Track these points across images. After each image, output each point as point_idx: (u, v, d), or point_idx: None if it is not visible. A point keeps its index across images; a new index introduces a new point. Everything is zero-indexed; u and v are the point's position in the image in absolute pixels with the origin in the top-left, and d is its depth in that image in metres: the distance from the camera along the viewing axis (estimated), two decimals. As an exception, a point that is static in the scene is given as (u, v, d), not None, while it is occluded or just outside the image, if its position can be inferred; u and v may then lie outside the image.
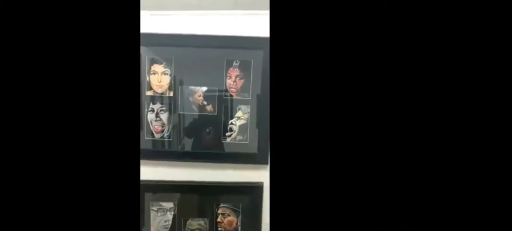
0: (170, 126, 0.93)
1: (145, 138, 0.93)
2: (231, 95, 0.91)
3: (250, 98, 0.90)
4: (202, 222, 0.97)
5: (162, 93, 0.92)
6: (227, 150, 0.93)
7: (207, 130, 0.92)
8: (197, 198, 0.97)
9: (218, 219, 0.97)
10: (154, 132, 0.93)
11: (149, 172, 0.94)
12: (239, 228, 0.97)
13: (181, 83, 0.91)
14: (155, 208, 0.97)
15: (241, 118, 0.91)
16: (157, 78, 0.91)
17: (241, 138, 0.92)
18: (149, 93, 0.92)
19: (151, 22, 0.89)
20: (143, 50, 0.90)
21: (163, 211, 0.98)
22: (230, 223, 0.97)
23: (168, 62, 0.91)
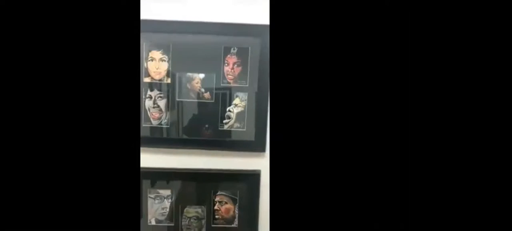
0: (168, 113, 0.92)
1: (143, 125, 0.93)
2: (228, 83, 0.90)
3: (247, 85, 0.90)
4: (199, 210, 0.97)
5: (159, 80, 0.91)
6: (225, 137, 0.92)
7: (205, 117, 0.92)
8: (194, 185, 0.97)
9: (215, 207, 0.97)
10: (151, 119, 0.93)
11: (147, 159, 0.93)
12: (237, 215, 0.97)
13: (179, 70, 0.90)
14: (152, 196, 0.97)
15: (238, 105, 0.91)
16: (155, 65, 0.91)
17: (238, 125, 0.92)
18: (147, 80, 0.91)
19: (149, 8, 0.88)
20: (141, 36, 0.89)
21: (161, 199, 0.98)
22: (227, 210, 0.97)
23: (165, 49, 0.90)
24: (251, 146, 0.91)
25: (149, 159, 0.94)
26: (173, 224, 0.97)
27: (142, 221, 0.97)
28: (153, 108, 0.92)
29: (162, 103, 0.92)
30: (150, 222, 0.98)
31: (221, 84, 0.90)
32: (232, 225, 0.97)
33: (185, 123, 0.93)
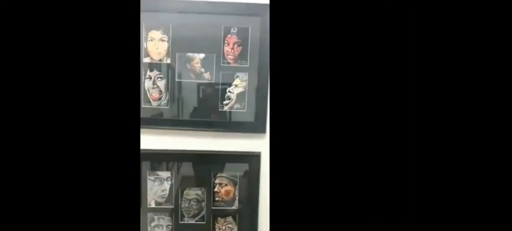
0: (167, 94, 0.91)
1: (142, 106, 0.91)
2: (228, 63, 0.89)
3: (248, 65, 0.88)
4: (199, 192, 0.97)
5: (159, 61, 0.90)
6: (225, 118, 0.91)
7: (205, 98, 0.91)
8: (194, 167, 0.96)
9: (216, 189, 0.96)
10: (151, 100, 0.91)
11: (146, 140, 0.92)
12: (237, 197, 0.96)
13: (179, 50, 0.89)
14: (152, 178, 0.96)
15: (238, 85, 0.90)
16: (155, 45, 0.89)
17: (238, 106, 0.90)
18: (146, 60, 0.90)
19: (148, -13, 0.86)
20: (140, 16, 0.87)
21: (160, 181, 0.97)
22: (228, 192, 0.96)
23: (165, 29, 0.88)
24: (252, 127, 0.90)
25: (149, 140, 0.92)
26: (173, 207, 0.97)
27: (141, 204, 0.96)
28: (153, 89, 0.91)
29: (161, 84, 0.91)
30: (150, 205, 0.97)
31: (221, 65, 0.89)
32: (232, 207, 0.96)
33: (185, 103, 0.92)
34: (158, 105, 0.92)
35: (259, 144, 0.92)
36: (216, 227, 0.97)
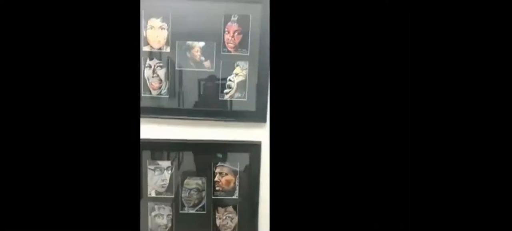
0: (167, 83, 0.90)
1: (142, 95, 0.91)
2: (229, 51, 0.88)
3: (248, 54, 0.87)
4: (199, 181, 0.96)
5: (159, 49, 0.89)
6: (225, 107, 0.90)
7: (205, 87, 0.90)
8: (194, 156, 0.95)
9: (216, 178, 0.95)
10: (151, 89, 0.91)
11: (146, 129, 0.92)
12: (237, 187, 0.96)
13: (179, 38, 0.88)
14: (152, 167, 0.96)
15: (239, 74, 0.88)
16: (154, 33, 0.88)
17: (239, 95, 0.89)
18: (146, 49, 0.89)
19: (147, -27, 0.85)
20: (140, 4, 0.86)
21: (161, 170, 0.96)
22: (228, 182, 0.96)
23: (165, 16, 0.87)
24: (252, 116, 0.90)
25: (149, 129, 0.92)
26: (173, 196, 0.96)
27: (142, 194, 0.96)
28: (153, 78, 0.90)
29: (161, 72, 0.90)
30: (150, 194, 0.97)
31: (222, 53, 0.87)
32: (233, 197, 0.96)
33: (185, 92, 0.91)
34: (158, 94, 0.91)
35: (260, 133, 0.92)
36: (216, 216, 0.97)
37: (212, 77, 0.89)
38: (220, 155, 0.94)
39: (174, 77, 0.89)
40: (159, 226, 0.98)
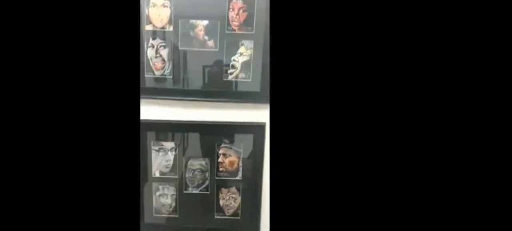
0: (170, 63, 0.88)
1: (145, 76, 0.89)
2: (233, 30, 0.85)
3: (253, 33, 0.85)
4: (203, 162, 0.96)
5: (162, 28, 0.86)
6: (229, 88, 0.89)
7: (208, 67, 0.88)
8: (198, 137, 0.95)
9: (219, 160, 0.95)
10: (154, 69, 0.89)
11: (150, 110, 0.91)
12: (241, 168, 0.96)
13: (182, 16, 0.85)
14: (156, 148, 0.96)
15: (244, 54, 0.86)
16: (157, 11, 0.85)
17: (243, 75, 0.88)
18: (148, 28, 0.86)
19: None
20: (141, -20, 0.83)
21: (164, 151, 0.96)
22: (231, 163, 0.96)
23: (167, -7, 0.84)
24: (257, 97, 0.88)
25: (152, 110, 0.91)
26: (177, 177, 0.97)
27: (146, 174, 0.96)
28: (156, 58, 0.88)
29: (164, 52, 0.88)
30: (154, 175, 0.97)
31: (226, 32, 0.85)
32: (236, 178, 0.96)
33: (189, 73, 0.89)
34: (161, 75, 0.89)
35: (264, 114, 0.90)
36: (219, 197, 0.98)
37: (215, 58, 0.87)
38: (226, 140, 0.93)
39: (177, 58, 0.88)
40: (164, 205, 0.99)
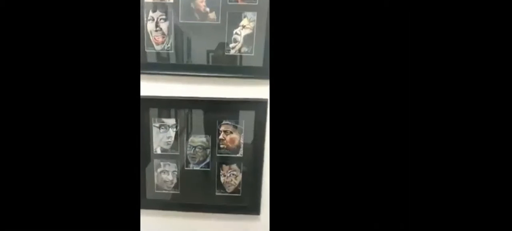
0: (171, 37, 0.85)
1: (146, 50, 0.86)
2: (235, 1, 0.82)
3: (257, 3, 0.81)
4: (204, 139, 0.95)
5: (161, 0, 0.83)
6: (231, 63, 0.86)
7: (210, 41, 0.85)
8: (199, 114, 0.93)
9: (221, 137, 0.94)
10: (154, 43, 0.86)
11: (150, 86, 0.89)
12: (242, 145, 0.94)
13: (182, -13, 0.82)
14: (157, 125, 0.94)
15: (246, 26, 0.83)
16: (156, -18, 0.82)
17: (246, 49, 0.85)
18: (148, 0, 0.83)
19: None
20: (140, -51, 0.79)
21: (166, 128, 0.94)
22: (233, 140, 0.94)
23: (167, -37, 0.81)
24: (259, 72, 0.85)
25: (153, 86, 0.89)
26: (178, 153, 0.95)
27: (148, 151, 0.95)
28: (156, 31, 0.85)
29: (164, 26, 0.85)
30: (156, 151, 0.96)
31: (228, 3, 0.82)
32: (237, 155, 0.95)
33: (189, 47, 0.86)
34: (161, 49, 0.86)
35: (267, 90, 0.88)
36: (220, 174, 0.97)
37: (217, 31, 0.84)
38: (228, 117, 0.91)
39: (178, 31, 0.85)
40: (165, 181, 0.98)
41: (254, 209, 0.99)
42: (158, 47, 0.86)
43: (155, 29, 0.85)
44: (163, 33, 0.85)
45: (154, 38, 0.86)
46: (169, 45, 0.86)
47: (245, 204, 0.99)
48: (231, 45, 0.85)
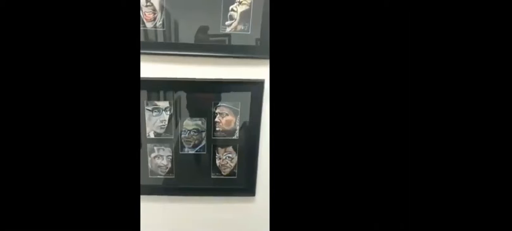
0: (163, 13, 0.76)
1: (135, 28, 0.76)
2: (231, -25, 0.73)
3: (254, -22, 0.73)
4: (199, 122, 0.87)
5: (152, -27, 0.73)
6: (226, 41, 0.78)
7: (204, 18, 0.76)
8: (193, 96, 0.85)
9: (216, 119, 0.86)
10: (145, 20, 0.76)
11: (142, 67, 0.79)
12: (238, 128, 0.87)
13: (174, -41, 0.72)
14: (150, 108, 0.85)
15: (243, 2, 0.75)
16: (146, -47, 0.72)
17: (242, 27, 0.77)
18: (137, -28, 0.73)
19: None
20: None
21: (159, 111, 0.86)
22: (229, 122, 0.87)
23: None
24: (256, 52, 0.78)
25: (144, 67, 0.79)
26: (172, 137, 0.87)
27: (140, 135, 0.86)
28: (146, 7, 0.75)
29: (156, 1, 0.75)
30: (149, 136, 0.87)
31: (223, -23, 0.73)
32: (233, 137, 0.88)
33: (182, 24, 0.77)
34: (153, 27, 0.77)
35: (264, 71, 0.81)
36: (216, 157, 0.90)
37: (212, 7, 0.75)
38: (223, 99, 0.83)
39: (170, 6, 0.75)
40: (159, 166, 0.90)
41: (250, 191, 0.93)
42: (148, 24, 0.77)
43: (146, 5, 0.75)
44: (153, 9, 0.75)
45: (145, 15, 0.76)
46: (160, 22, 0.76)
47: (241, 186, 0.93)
48: (227, 23, 0.76)
